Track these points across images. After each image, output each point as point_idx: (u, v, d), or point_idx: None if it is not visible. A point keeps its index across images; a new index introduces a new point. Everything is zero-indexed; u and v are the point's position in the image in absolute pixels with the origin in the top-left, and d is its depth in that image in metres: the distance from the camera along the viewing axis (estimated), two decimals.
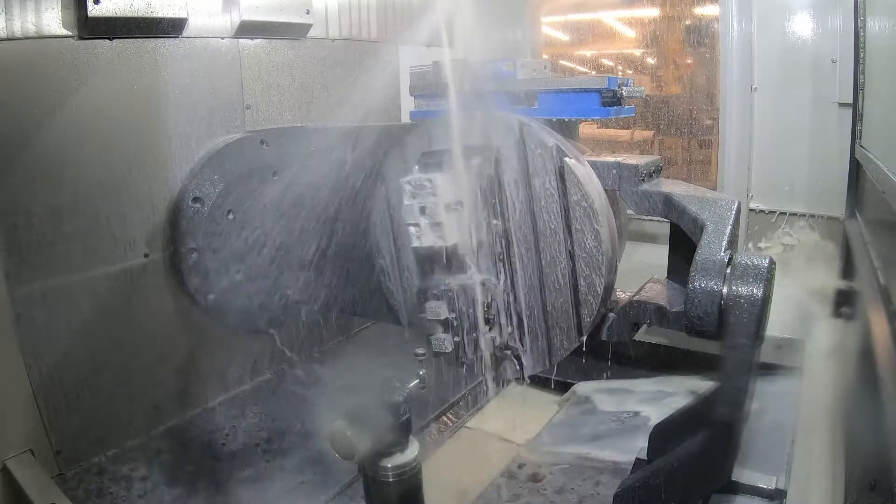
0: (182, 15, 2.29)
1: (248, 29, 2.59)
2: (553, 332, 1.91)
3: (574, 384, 3.53)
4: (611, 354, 2.94)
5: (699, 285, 1.54)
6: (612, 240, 1.88)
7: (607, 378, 3.47)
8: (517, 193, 1.86)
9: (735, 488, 1.92)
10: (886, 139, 2.49)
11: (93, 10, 2.05)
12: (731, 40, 3.59)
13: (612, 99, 2.08)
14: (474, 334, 1.94)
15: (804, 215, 3.62)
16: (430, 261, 2.02)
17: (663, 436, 2.04)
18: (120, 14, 2.12)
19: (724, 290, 1.52)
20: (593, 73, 4.36)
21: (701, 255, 1.57)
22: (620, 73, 4.02)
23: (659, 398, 3.28)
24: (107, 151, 2.22)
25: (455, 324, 1.95)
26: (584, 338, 1.87)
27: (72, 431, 2.22)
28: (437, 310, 1.94)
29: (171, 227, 2.38)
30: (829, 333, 2.89)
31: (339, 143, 2.30)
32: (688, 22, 3.97)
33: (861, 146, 3.02)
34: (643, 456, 2.14)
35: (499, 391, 2.16)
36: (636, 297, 1.92)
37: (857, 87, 3.13)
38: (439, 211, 1.85)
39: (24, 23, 1.98)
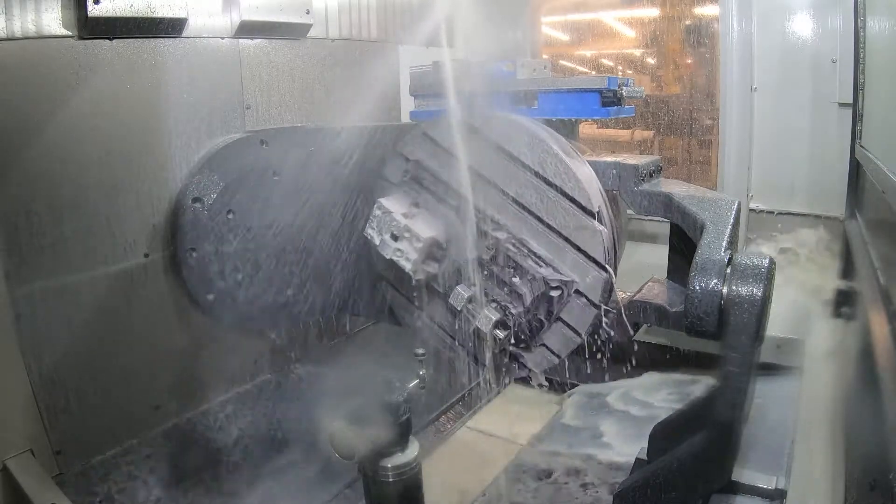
0: (182, 15, 2.28)
1: (248, 29, 2.59)
2: (580, 237, 1.85)
3: (576, 384, 3.54)
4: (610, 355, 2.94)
5: (699, 285, 1.54)
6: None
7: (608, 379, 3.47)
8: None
9: (735, 488, 1.92)
10: (886, 139, 2.49)
11: (93, 10, 2.05)
12: (731, 40, 3.58)
13: (612, 99, 2.08)
14: (507, 283, 1.93)
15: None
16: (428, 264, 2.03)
17: (663, 436, 2.04)
18: (120, 14, 2.11)
19: (724, 290, 1.52)
20: (593, 73, 4.36)
21: (701, 255, 1.57)
22: (620, 73, 4.02)
23: (658, 398, 3.28)
24: (107, 151, 2.22)
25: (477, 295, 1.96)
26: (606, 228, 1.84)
27: (72, 431, 2.22)
28: (459, 294, 1.95)
29: (171, 227, 2.37)
30: (829, 333, 2.89)
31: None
32: (688, 22, 3.96)
33: (861, 146, 3.02)
34: (643, 456, 2.14)
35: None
36: (636, 297, 1.92)
37: (857, 87, 3.13)
38: (400, 220, 1.92)
39: (24, 23, 1.98)
